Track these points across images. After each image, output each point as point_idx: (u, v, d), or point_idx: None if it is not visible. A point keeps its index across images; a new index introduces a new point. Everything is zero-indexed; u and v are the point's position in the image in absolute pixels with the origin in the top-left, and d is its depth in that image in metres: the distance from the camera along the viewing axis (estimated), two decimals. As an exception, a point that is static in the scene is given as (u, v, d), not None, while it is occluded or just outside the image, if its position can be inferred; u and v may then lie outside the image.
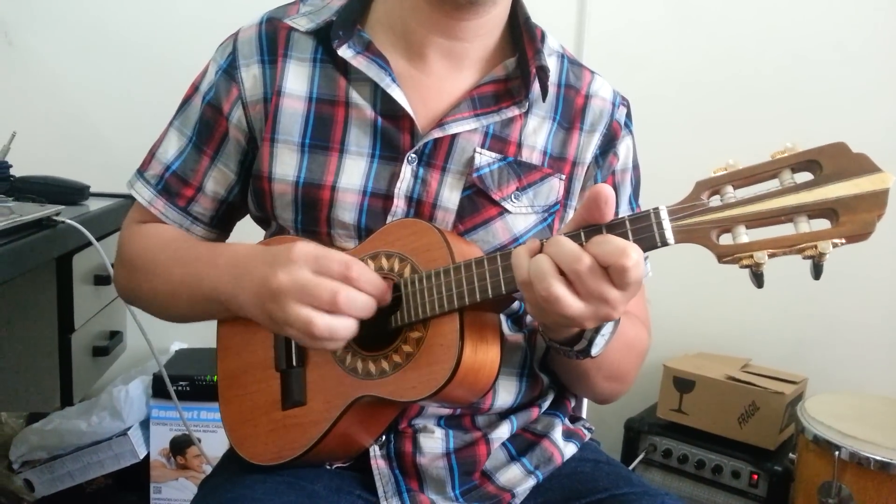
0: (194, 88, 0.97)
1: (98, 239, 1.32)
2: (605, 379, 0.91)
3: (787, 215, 0.63)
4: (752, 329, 1.99)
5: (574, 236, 0.68)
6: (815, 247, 0.62)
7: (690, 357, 1.92)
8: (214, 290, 0.85)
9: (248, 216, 1.01)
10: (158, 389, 1.88)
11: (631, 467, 1.81)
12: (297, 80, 0.90)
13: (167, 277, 0.91)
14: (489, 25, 0.91)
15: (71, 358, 1.36)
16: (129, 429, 1.87)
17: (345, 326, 0.74)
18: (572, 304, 0.66)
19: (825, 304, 1.91)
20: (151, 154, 0.98)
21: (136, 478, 1.91)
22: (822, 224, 0.63)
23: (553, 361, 0.95)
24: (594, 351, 0.78)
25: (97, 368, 1.54)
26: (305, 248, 0.75)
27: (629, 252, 0.63)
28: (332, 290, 0.72)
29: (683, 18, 1.98)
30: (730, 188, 0.65)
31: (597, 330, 0.76)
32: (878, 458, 1.43)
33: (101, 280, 1.46)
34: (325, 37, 0.90)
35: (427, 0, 0.87)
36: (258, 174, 0.91)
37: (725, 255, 0.65)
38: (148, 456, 1.90)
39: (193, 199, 0.96)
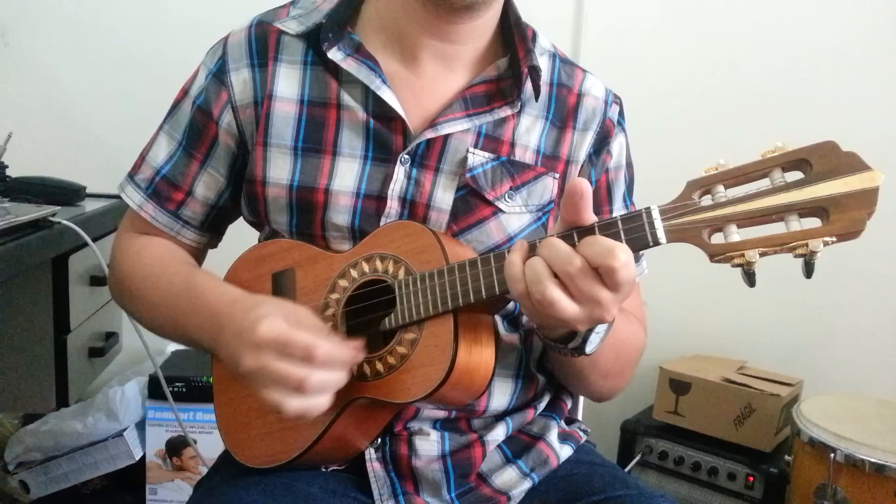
0: (184, 92, 0.97)
1: (94, 240, 1.31)
2: (602, 376, 0.91)
3: (777, 214, 0.63)
4: (748, 331, 1.99)
5: (566, 237, 0.68)
6: (807, 245, 0.62)
7: (686, 359, 1.93)
8: (198, 339, 0.86)
9: (241, 219, 1.01)
10: (154, 390, 1.87)
11: (627, 469, 1.81)
12: (287, 83, 0.90)
13: (152, 315, 0.94)
14: (482, 28, 0.91)
15: (67, 359, 1.36)
16: (124, 430, 1.86)
17: (316, 404, 0.73)
18: (567, 306, 0.66)
19: (821, 306, 1.91)
20: (142, 158, 0.98)
21: (132, 479, 1.91)
22: (813, 223, 0.63)
23: (549, 359, 0.95)
24: (589, 348, 0.78)
25: (93, 369, 1.54)
26: (269, 330, 0.73)
27: (617, 253, 0.64)
28: (299, 379, 0.71)
29: (680, 21, 1.99)
30: (721, 187, 0.66)
31: (591, 328, 0.76)
32: (873, 460, 1.43)
33: (96, 281, 1.45)
34: (315, 39, 0.90)
35: (421, 3, 0.87)
36: (251, 178, 0.91)
37: (717, 254, 0.65)
38: (144, 457, 1.90)
39: (183, 204, 0.96)
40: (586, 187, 0.68)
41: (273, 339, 0.72)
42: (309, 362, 0.72)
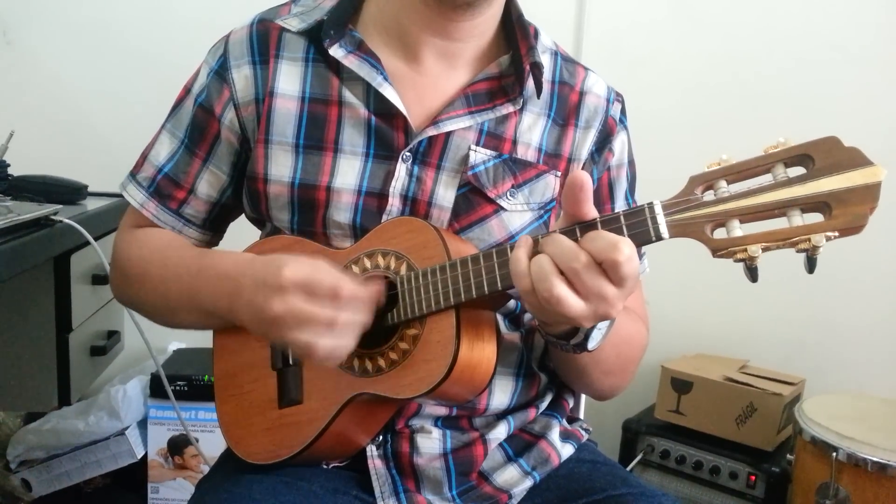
0: (186, 90, 0.97)
1: (96, 238, 1.32)
2: (604, 374, 0.91)
3: (780, 209, 0.63)
4: (750, 330, 1.99)
5: (569, 232, 0.68)
6: (809, 240, 0.62)
7: (688, 358, 1.92)
8: (213, 307, 0.85)
9: (242, 217, 1.01)
10: (156, 389, 1.87)
11: (629, 468, 1.81)
12: (289, 80, 0.90)
13: (162, 291, 0.92)
14: (484, 25, 0.91)
15: (68, 357, 1.36)
16: (126, 428, 1.86)
17: (344, 345, 0.75)
18: (574, 303, 0.66)
19: (823, 305, 1.91)
20: (144, 156, 0.98)
21: (134, 477, 1.91)
22: (816, 218, 0.63)
23: (551, 356, 0.95)
24: (591, 345, 0.78)
25: (95, 368, 1.54)
26: (295, 272, 0.74)
27: (621, 246, 0.64)
28: (328, 318, 0.73)
29: (684, 19, 1.99)
30: (723, 183, 0.66)
31: (594, 325, 0.76)
32: (875, 459, 1.43)
33: (98, 280, 1.46)
34: (316, 37, 0.90)
35: (422, 0, 0.87)
36: (253, 176, 0.91)
37: (720, 249, 0.65)
38: (146, 456, 1.90)
39: (185, 202, 0.96)
40: (586, 179, 0.68)
41: (300, 280, 0.73)
42: (336, 301, 0.73)
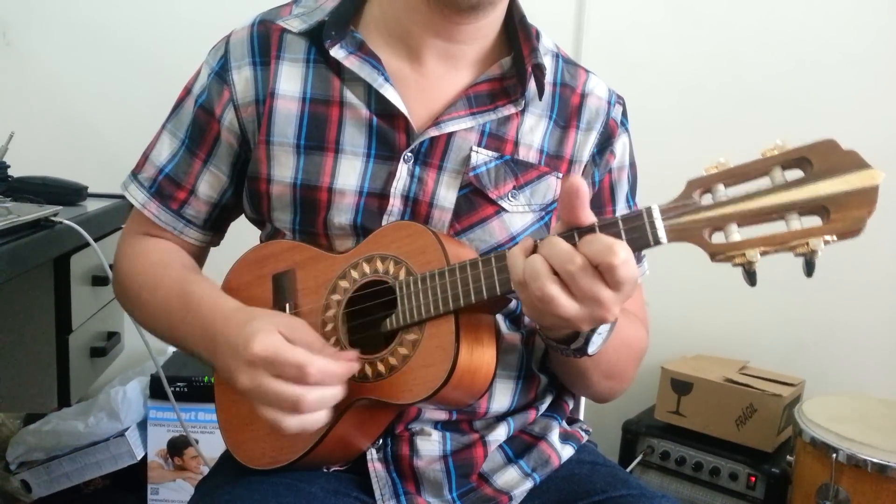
0: (187, 91, 0.97)
1: (96, 239, 1.31)
2: (604, 377, 0.91)
3: (778, 213, 0.63)
4: (750, 331, 1.99)
5: (567, 236, 0.68)
6: (807, 244, 0.62)
7: (688, 359, 1.92)
8: (197, 352, 0.87)
9: (242, 216, 1.01)
10: (156, 390, 1.87)
11: (629, 469, 1.81)
12: (290, 81, 0.90)
13: (152, 319, 0.94)
14: (487, 28, 0.91)
15: (68, 359, 1.36)
16: (126, 430, 1.86)
17: (314, 420, 0.74)
18: (567, 304, 0.66)
19: (823, 306, 1.91)
20: (145, 156, 0.98)
21: (134, 479, 1.91)
22: (814, 221, 0.62)
23: (551, 360, 0.95)
24: (591, 349, 0.78)
25: (94, 369, 1.54)
26: (263, 348, 0.73)
27: (616, 250, 0.63)
28: (294, 398, 0.72)
29: (683, 20, 1.99)
30: (721, 186, 0.65)
31: (593, 328, 0.76)
32: (875, 460, 1.43)
33: (98, 281, 1.46)
34: (317, 37, 0.90)
35: (425, 2, 0.86)
36: (255, 177, 0.91)
37: (718, 254, 0.65)
38: (145, 457, 1.90)
39: (186, 202, 0.96)
40: (582, 185, 0.67)
41: (268, 357, 0.72)
42: (303, 381, 0.72)
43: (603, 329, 0.77)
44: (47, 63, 2.03)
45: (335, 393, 0.74)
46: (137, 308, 0.96)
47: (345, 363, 0.75)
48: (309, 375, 0.72)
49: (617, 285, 0.65)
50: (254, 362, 0.73)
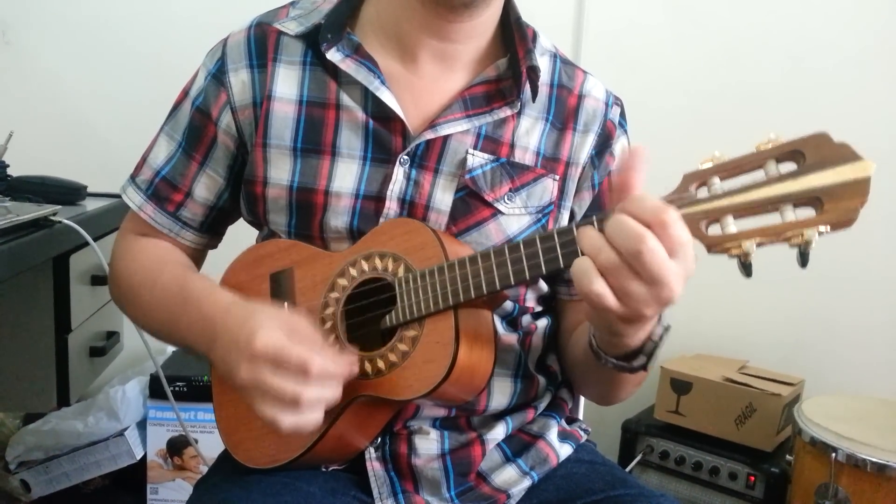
0: (184, 94, 0.97)
1: (95, 239, 1.31)
2: (636, 385, 0.90)
3: (773, 205, 0.64)
4: (750, 331, 1.99)
5: (587, 224, 0.68)
6: (802, 234, 0.63)
7: (688, 359, 1.92)
8: (194, 344, 0.86)
9: (240, 219, 1.01)
10: (155, 390, 1.87)
11: (628, 469, 1.81)
12: (287, 83, 0.90)
13: (149, 316, 0.94)
14: (482, 27, 0.91)
15: (68, 358, 1.36)
16: (125, 429, 1.86)
17: (310, 419, 0.73)
18: (636, 289, 0.65)
19: (822, 306, 1.91)
20: (143, 159, 0.98)
21: (133, 478, 1.91)
22: (808, 213, 0.64)
23: (585, 377, 0.94)
24: (652, 361, 0.77)
25: (94, 369, 1.54)
26: (265, 343, 0.72)
27: (668, 210, 0.63)
28: (294, 395, 0.71)
29: (683, 21, 1.99)
30: (716, 180, 0.66)
31: (656, 342, 0.76)
32: (874, 460, 1.43)
33: (97, 280, 1.46)
34: (314, 40, 0.90)
35: (421, 2, 0.86)
36: (251, 179, 0.91)
37: (714, 245, 0.66)
38: (145, 457, 1.90)
39: (182, 205, 0.96)
40: (643, 150, 0.67)
41: (270, 352, 0.72)
42: (304, 377, 0.72)
43: (663, 338, 0.76)
44: (47, 62, 2.03)
45: (333, 393, 0.74)
46: (134, 306, 0.96)
47: (344, 364, 0.75)
48: (310, 373, 0.72)
49: (675, 252, 0.63)
50: (255, 357, 0.73)
